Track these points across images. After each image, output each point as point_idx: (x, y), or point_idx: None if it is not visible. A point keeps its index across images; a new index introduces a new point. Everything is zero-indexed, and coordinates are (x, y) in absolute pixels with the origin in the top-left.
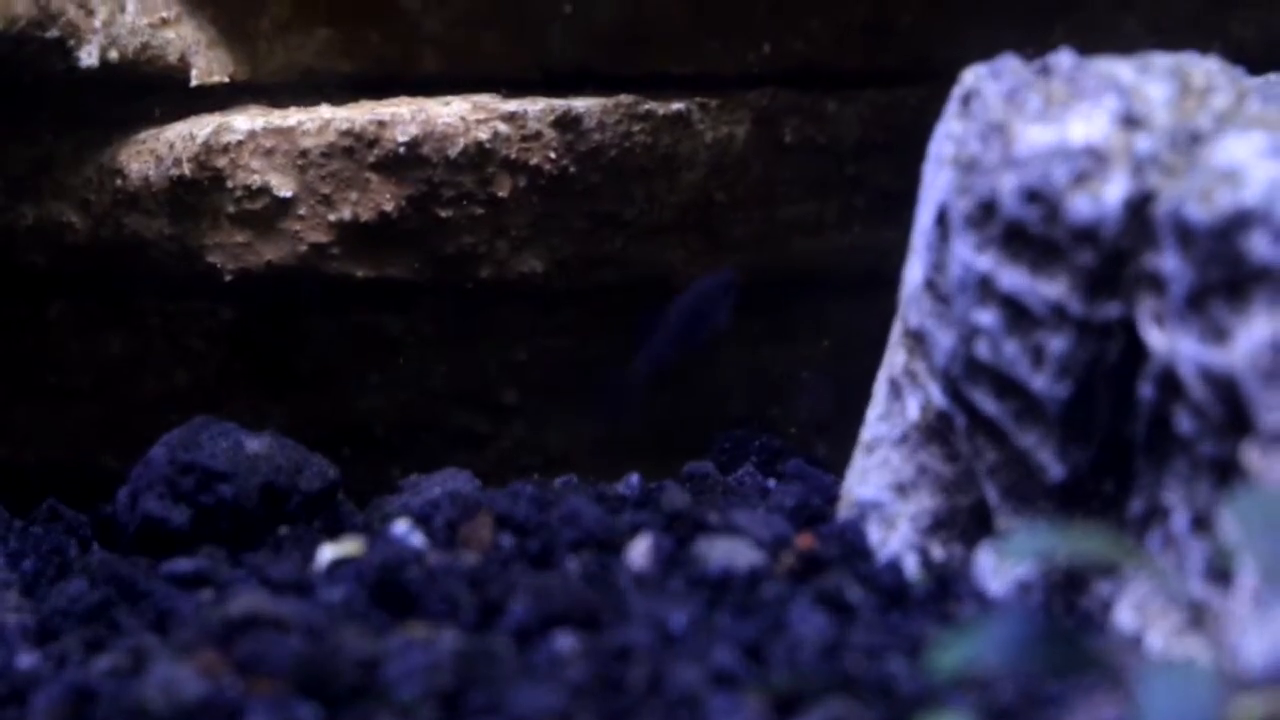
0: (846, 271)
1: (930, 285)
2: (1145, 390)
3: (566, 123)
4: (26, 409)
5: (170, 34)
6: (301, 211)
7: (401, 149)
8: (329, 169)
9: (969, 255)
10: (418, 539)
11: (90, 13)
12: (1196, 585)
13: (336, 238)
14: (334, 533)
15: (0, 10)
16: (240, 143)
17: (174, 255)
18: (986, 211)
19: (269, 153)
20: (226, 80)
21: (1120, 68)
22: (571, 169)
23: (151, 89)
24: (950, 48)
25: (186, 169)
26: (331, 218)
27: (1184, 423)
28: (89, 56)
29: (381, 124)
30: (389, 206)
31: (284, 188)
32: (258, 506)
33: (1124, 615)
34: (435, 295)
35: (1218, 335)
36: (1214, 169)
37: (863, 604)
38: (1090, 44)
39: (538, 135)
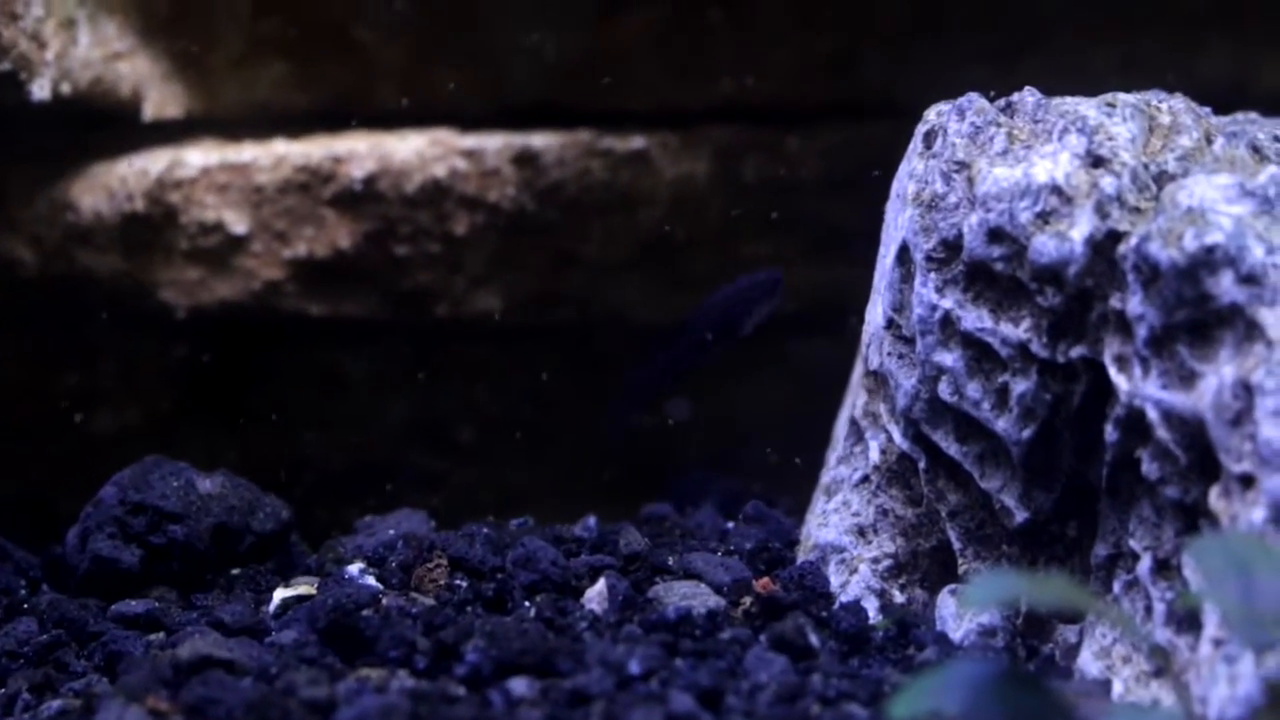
0: (808, 310)
1: (892, 325)
2: (1110, 433)
3: (525, 159)
4: None
5: (124, 67)
6: (256, 248)
7: (358, 185)
8: (284, 205)
9: (931, 295)
10: (371, 581)
11: (43, 45)
12: (1161, 630)
13: (291, 275)
14: (287, 574)
15: None
16: (194, 178)
17: (126, 292)
18: (949, 251)
19: (223, 188)
20: (181, 114)
21: (1085, 106)
22: (529, 206)
23: (104, 122)
24: (914, 85)
25: (139, 204)
26: (286, 254)
27: (1149, 466)
28: (41, 90)
29: (337, 160)
30: (345, 243)
31: (238, 224)
32: (210, 547)
33: (1088, 660)
34: (391, 333)
35: (1184, 378)
36: (1180, 209)
37: (822, 649)
38: (1057, 81)
39: (496, 171)
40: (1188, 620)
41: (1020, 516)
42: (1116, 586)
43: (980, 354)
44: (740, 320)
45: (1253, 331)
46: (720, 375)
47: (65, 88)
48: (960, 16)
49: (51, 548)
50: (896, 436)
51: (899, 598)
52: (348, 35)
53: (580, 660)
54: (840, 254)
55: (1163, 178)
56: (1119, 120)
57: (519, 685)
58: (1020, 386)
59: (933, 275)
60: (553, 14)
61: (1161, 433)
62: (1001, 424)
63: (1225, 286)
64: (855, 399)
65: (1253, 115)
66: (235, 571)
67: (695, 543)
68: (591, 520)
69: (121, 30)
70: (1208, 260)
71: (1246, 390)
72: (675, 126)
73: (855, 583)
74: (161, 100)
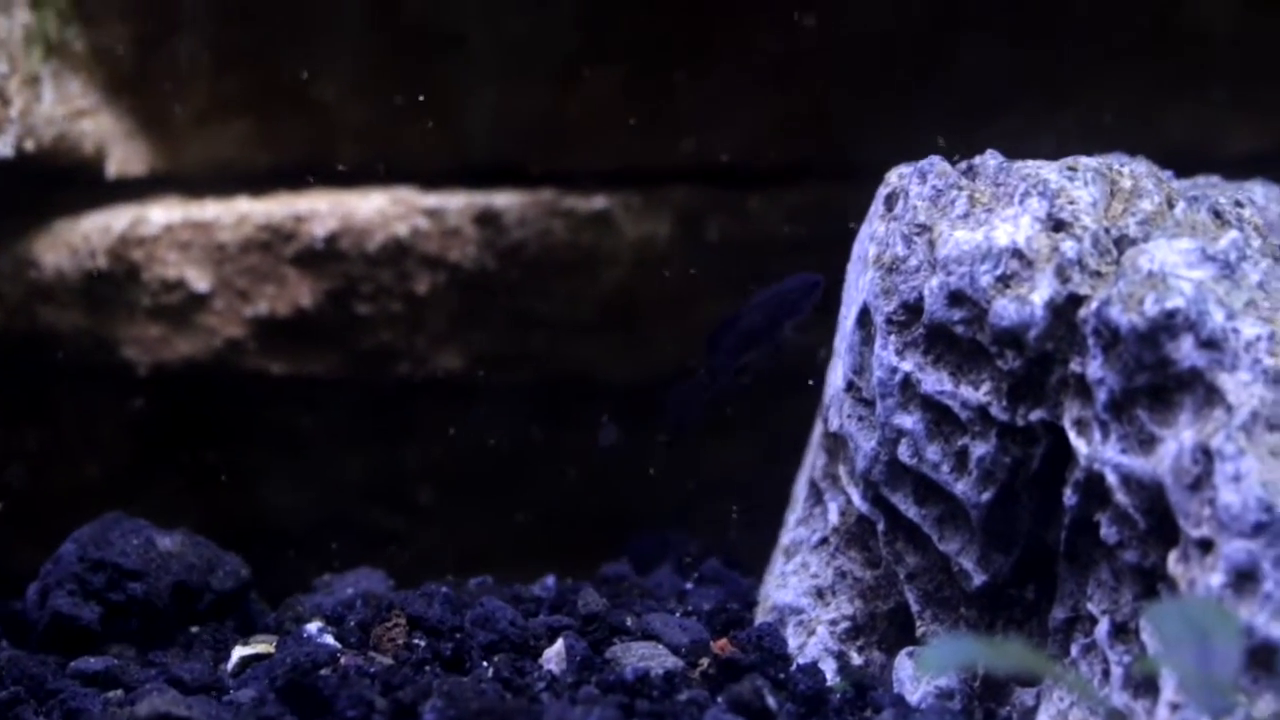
0: (769, 371)
1: (852, 387)
2: (1069, 496)
3: (487, 218)
4: None
5: (88, 125)
6: (218, 305)
7: (319, 244)
8: (246, 263)
9: (892, 357)
10: (330, 640)
11: (7, 102)
12: (1118, 694)
13: (253, 333)
14: (246, 632)
15: None
16: (156, 235)
17: (88, 348)
18: (910, 313)
19: (185, 246)
20: (144, 171)
21: (1047, 170)
22: (491, 265)
23: (68, 179)
24: (875, 146)
25: (102, 261)
26: (248, 312)
27: (1108, 530)
28: (4, 147)
29: (299, 218)
30: (306, 302)
31: (200, 281)
32: (169, 605)
33: None
34: (352, 392)
35: (1143, 442)
36: (1141, 273)
37: (780, 711)
38: (1020, 144)
39: (457, 231)
40: (1145, 685)
41: (979, 579)
42: (1074, 650)
43: (940, 417)
44: (781, 322)
45: (1212, 396)
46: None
47: (29, 144)
48: (923, 78)
49: (11, 604)
50: (856, 498)
51: (857, 659)
52: (310, 94)
53: None
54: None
55: (1124, 242)
56: (1080, 184)
57: None
58: (980, 449)
59: (893, 338)
60: (515, 73)
61: (1120, 497)
62: (961, 487)
63: (1185, 351)
64: (815, 460)
65: (1214, 179)
66: (194, 629)
67: (653, 603)
68: (550, 580)
69: (85, 88)
70: (1168, 325)
71: (1206, 455)
72: (637, 186)
73: (813, 644)
74: (125, 158)
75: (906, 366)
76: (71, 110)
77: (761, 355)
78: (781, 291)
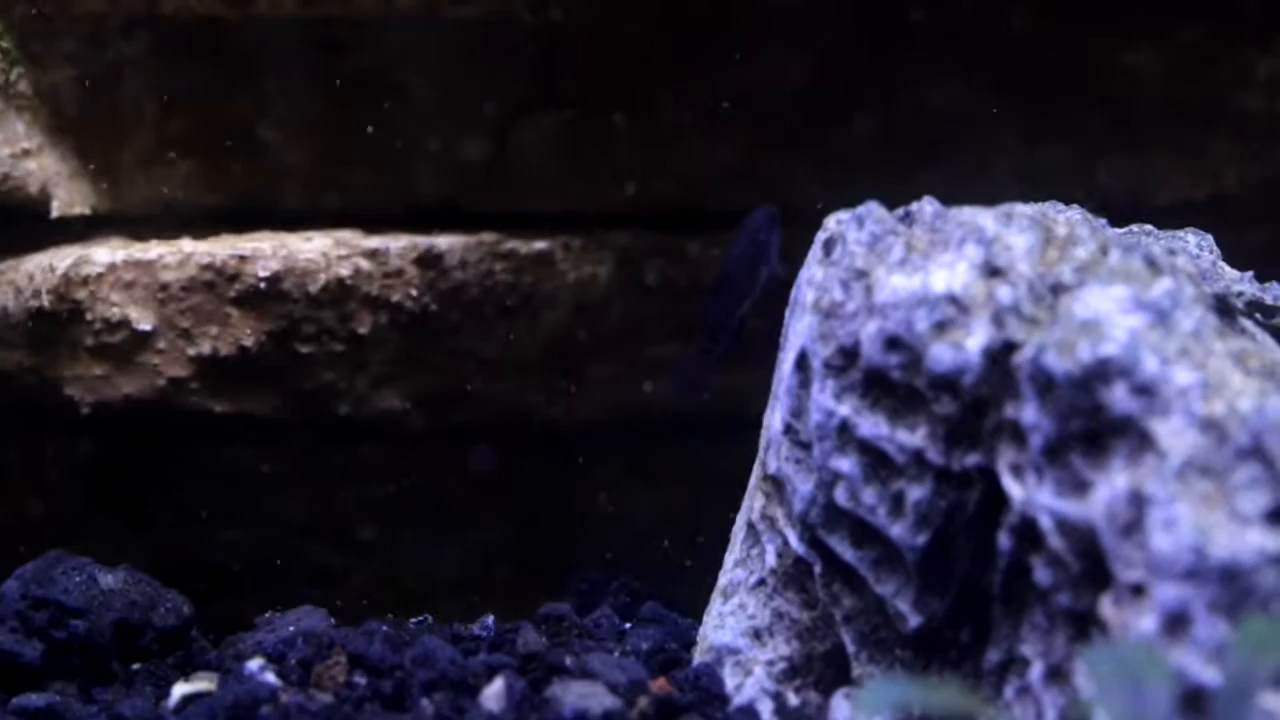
0: (708, 414)
1: (789, 430)
2: (1004, 540)
3: (428, 260)
4: None
5: (32, 165)
6: (161, 345)
7: (262, 284)
8: (189, 303)
9: (829, 401)
10: (271, 677)
11: None
12: None
13: (196, 372)
14: (187, 670)
15: None
16: (100, 275)
17: (32, 387)
18: (847, 358)
19: (129, 286)
20: (88, 212)
21: (983, 217)
22: (433, 306)
23: (12, 220)
24: (814, 192)
25: (45, 301)
26: (191, 352)
27: (1041, 573)
28: None
29: (242, 258)
30: (249, 341)
31: (144, 321)
32: (111, 642)
33: None
34: (294, 431)
35: (1076, 487)
36: (1075, 320)
37: None
38: (956, 190)
39: (399, 272)
40: None
41: (914, 621)
42: (1009, 692)
43: (876, 460)
44: (759, 266)
45: (1145, 442)
46: (621, 475)
47: None
48: (861, 125)
49: None
50: (793, 540)
51: (793, 700)
52: (254, 136)
53: None
54: (740, 358)
55: (1059, 289)
56: (1016, 231)
57: None
58: (916, 493)
59: (830, 382)
60: (458, 117)
61: (1054, 541)
62: (897, 530)
63: (1119, 397)
64: (753, 502)
65: (1148, 227)
66: (136, 666)
67: (593, 643)
68: (489, 619)
69: (30, 128)
70: (1102, 371)
71: (1138, 500)
72: (578, 230)
73: (750, 685)
74: (69, 198)
75: (844, 410)
76: (16, 150)
77: (753, 304)
78: (746, 239)
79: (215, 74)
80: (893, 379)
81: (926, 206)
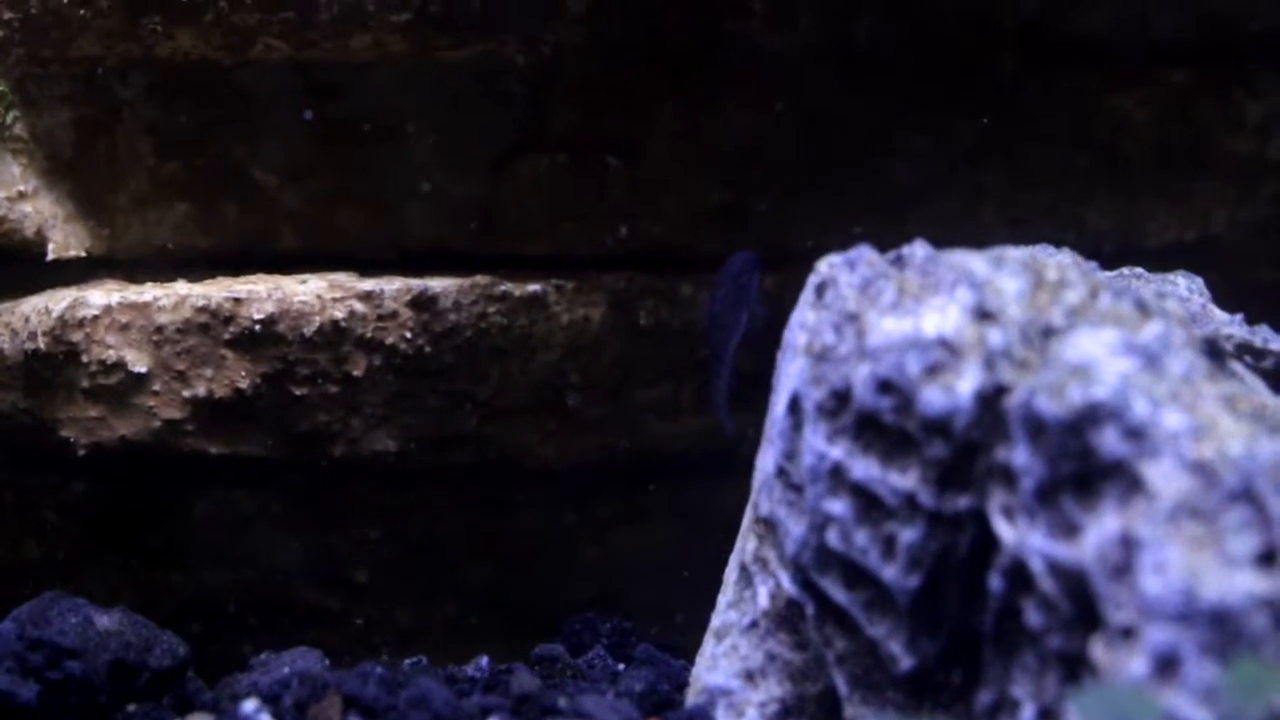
0: (701, 455)
1: (782, 473)
2: (995, 582)
3: (422, 302)
4: None
5: (28, 208)
6: (156, 387)
7: (257, 326)
8: (184, 345)
9: (821, 444)
10: (266, 718)
11: None
12: None
13: (190, 414)
14: (183, 710)
15: None
16: (96, 317)
17: (27, 428)
18: (839, 401)
19: (124, 328)
20: (84, 254)
21: (974, 260)
22: (427, 348)
23: (8, 262)
24: (806, 235)
25: (41, 343)
26: (186, 394)
27: (1032, 616)
28: None
29: (237, 301)
30: (244, 384)
31: (139, 363)
32: (106, 683)
33: None
34: (288, 473)
35: (1067, 530)
36: (1066, 364)
37: None
38: (947, 233)
39: (393, 315)
40: None
41: (906, 663)
42: None
43: (868, 503)
44: (745, 300)
45: (1135, 485)
46: (614, 516)
47: None
48: (852, 168)
49: None
50: (785, 582)
51: None
52: (249, 179)
53: None
54: (733, 400)
55: (1049, 332)
56: (1007, 275)
57: None
58: (907, 536)
59: (823, 424)
60: (451, 160)
61: (1045, 583)
62: (889, 572)
63: (1109, 441)
64: (745, 544)
65: (1138, 270)
66: (132, 708)
67: (586, 684)
68: (484, 660)
69: (25, 171)
70: (1092, 415)
71: (1129, 543)
72: (571, 272)
73: None
74: (65, 240)
75: (836, 453)
76: (12, 193)
77: (736, 347)
78: (728, 283)
79: (210, 118)
80: (885, 422)
81: (918, 250)
